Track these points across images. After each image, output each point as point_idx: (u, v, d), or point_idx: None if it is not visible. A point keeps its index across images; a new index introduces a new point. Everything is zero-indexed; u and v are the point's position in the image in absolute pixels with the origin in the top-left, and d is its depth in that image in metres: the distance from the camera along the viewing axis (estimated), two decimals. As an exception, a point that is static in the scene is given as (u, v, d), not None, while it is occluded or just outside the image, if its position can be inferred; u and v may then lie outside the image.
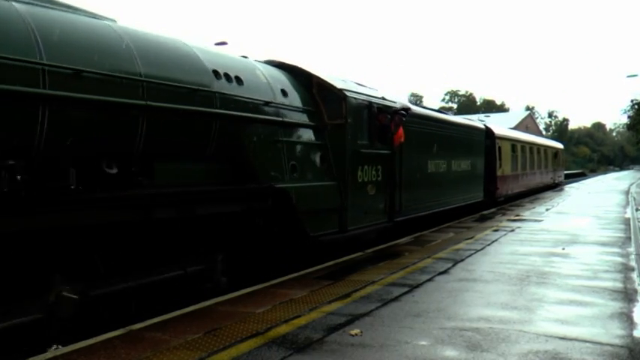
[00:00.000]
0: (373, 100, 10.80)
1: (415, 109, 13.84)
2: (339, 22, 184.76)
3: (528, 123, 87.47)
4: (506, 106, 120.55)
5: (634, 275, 8.15)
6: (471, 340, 5.16)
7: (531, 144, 28.87)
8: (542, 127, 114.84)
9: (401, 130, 11.43)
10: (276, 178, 8.26)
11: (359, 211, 10.10)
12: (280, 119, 8.62)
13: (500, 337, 5.22)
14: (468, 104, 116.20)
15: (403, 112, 11.75)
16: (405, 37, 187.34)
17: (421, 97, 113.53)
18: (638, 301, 6.66)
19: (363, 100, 10.42)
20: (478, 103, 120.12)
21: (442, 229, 14.23)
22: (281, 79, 9.28)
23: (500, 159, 21.44)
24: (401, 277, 8.04)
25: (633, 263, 9.12)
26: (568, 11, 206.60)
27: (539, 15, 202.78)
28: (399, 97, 13.27)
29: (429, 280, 7.88)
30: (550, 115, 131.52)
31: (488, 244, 11.30)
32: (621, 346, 4.99)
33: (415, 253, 10.38)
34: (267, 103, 8.38)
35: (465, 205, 17.17)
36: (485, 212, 18.71)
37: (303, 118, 9.34)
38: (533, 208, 20.56)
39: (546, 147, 33.70)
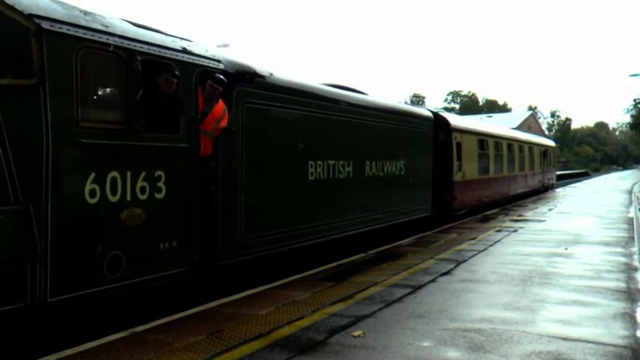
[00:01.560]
0: (138, 44, 5.90)
1: (283, 78, 8.69)
2: (339, 24, 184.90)
3: (531, 123, 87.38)
4: (509, 106, 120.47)
5: (637, 275, 8.15)
6: (474, 341, 5.16)
7: (510, 140, 23.53)
8: (544, 126, 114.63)
9: (220, 108, 6.99)
10: None
11: (86, 261, 5.36)
12: None
13: (503, 338, 5.22)
14: (470, 105, 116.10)
15: (220, 76, 6.95)
16: (406, 37, 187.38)
17: (423, 97, 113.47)
18: (641, 301, 6.65)
19: (102, 41, 5.50)
20: (481, 104, 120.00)
21: (445, 229, 14.21)
22: None
23: (459, 159, 16.31)
24: (403, 278, 8.04)
25: (636, 263, 9.11)
26: (570, 10, 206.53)
27: (542, 14, 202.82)
28: (238, 57, 8.08)
29: (432, 281, 7.88)
30: (553, 114, 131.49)
31: (491, 245, 11.29)
32: (624, 347, 4.99)
33: (418, 253, 10.38)
34: None
35: (393, 226, 12.42)
36: (487, 213, 18.66)
37: None
38: (536, 208, 20.53)
39: (532, 144, 28.33)
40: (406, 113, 13.60)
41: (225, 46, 25.49)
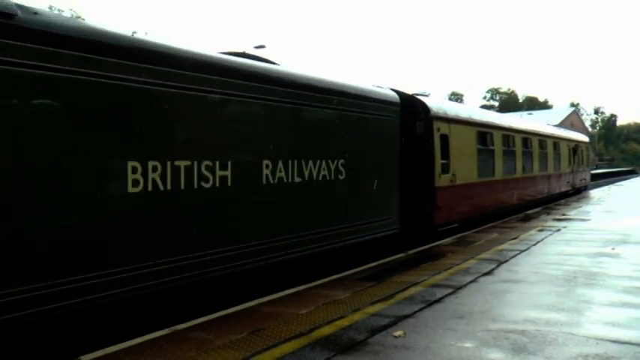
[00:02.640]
0: None
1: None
2: (377, 22, 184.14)
3: (573, 120, 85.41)
4: (550, 103, 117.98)
5: (688, 276, 7.86)
6: (517, 342, 5.06)
7: (526, 133, 18.84)
8: (587, 123, 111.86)
9: None
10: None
11: None
12: None
13: (548, 340, 5.11)
14: (509, 102, 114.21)
15: None
16: (445, 35, 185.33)
17: (461, 95, 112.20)
18: (693, 303, 6.41)
19: None
20: (520, 101, 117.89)
21: (485, 229, 13.99)
22: None
23: (446, 156, 12.43)
24: (444, 279, 7.95)
25: (688, 264, 8.79)
26: (614, 3, 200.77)
27: (585, 8, 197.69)
28: None
29: (473, 281, 7.77)
30: (596, 111, 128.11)
31: (533, 245, 11.06)
32: (676, 350, 4.81)
33: (458, 254, 10.25)
34: None
35: (322, 255, 8.57)
36: (529, 212, 18.28)
37: None
38: (580, 207, 20.03)
39: (557, 139, 23.36)
40: (347, 93, 9.34)
41: (262, 47, 25.72)
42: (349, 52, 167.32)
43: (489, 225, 14.68)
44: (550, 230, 13.32)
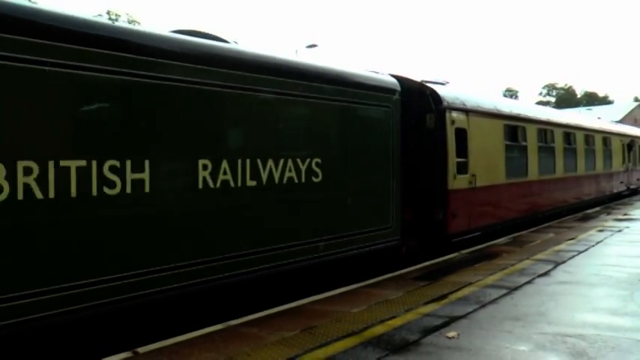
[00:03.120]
0: None
1: None
2: (432, 19, 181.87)
3: (637, 115, 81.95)
4: (610, 98, 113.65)
5: None
6: (576, 347, 4.91)
7: (567, 127, 16.63)
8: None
9: None
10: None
11: None
12: None
13: (609, 346, 4.93)
14: (567, 98, 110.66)
15: None
16: (500, 30, 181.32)
17: (516, 91, 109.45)
18: None
19: None
20: (579, 96, 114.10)
21: (541, 229, 13.61)
22: None
23: (464, 154, 10.66)
24: (499, 279, 7.80)
25: None
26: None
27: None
28: None
29: (529, 282, 7.59)
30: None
31: (592, 246, 10.70)
32: None
33: (513, 254, 10.02)
34: None
35: (263, 278, 6.77)
36: (588, 212, 17.63)
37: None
38: (643, 206, 19.25)
39: (608, 133, 21.03)
40: (319, 77, 7.70)
41: (314, 46, 25.81)
42: (403, 47, 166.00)
43: (545, 225, 14.26)
44: (611, 231, 12.85)
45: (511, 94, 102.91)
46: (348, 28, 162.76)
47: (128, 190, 5.25)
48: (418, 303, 6.52)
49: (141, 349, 5.02)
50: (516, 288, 7.24)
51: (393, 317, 5.93)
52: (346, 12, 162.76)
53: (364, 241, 8.20)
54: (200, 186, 5.92)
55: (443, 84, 11.38)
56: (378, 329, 5.52)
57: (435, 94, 10.14)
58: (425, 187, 9.92)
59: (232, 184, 6.24)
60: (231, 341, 5.23)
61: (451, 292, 7.02)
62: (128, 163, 5.24)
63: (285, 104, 7.12)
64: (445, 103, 10.19)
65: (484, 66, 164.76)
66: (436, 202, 10.00)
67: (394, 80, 9.21)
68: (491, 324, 5.66)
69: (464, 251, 10.38)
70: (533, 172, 13.90)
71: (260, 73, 6.67)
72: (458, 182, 10.38)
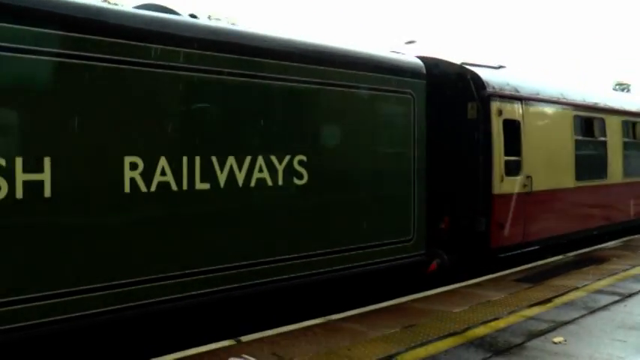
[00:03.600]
0: None
1: None
2: (541, 14, 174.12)
3: None
4: None
5: None
6: (700, 361, 4.60)
7: None
8: None
9: None
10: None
11: None
12: None
13: None
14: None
15: None
16: (607, 21, 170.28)
17: (628, 85, 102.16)
18: None
19: None
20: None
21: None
22: None
23: (516, 151, 8.84)
24: (609, 285, 7.42)
25: None
26: None
27: None
28: None
29: (644, 289, 7.17)
30: None
31: None
32: None
33: (624, 258, 9.47)
34: None
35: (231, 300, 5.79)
36: None
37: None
38: None
39: None
40: (311, 57, 6.26)
41: (413, 42, 25.58)
42: (487, 41, 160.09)
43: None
44: None
45: (622, 87, 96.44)
46: (450, 25, 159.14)
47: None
48: (521, 305, 6.35)
49: (243, 338, 5.24)
50: (630, 295, 6.85)
51: (496, 319, 5.82)
52: (449, 8, 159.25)
53: (374, 256, 6.81)
54: (127, 189, 4.78)
55: (495, 67, 9.61)
56: (481, 330, 5.45)
57: (477, 79, 8.46)
58: (465, 191, 8.39)
59: (173, 187, 5.11)
60: (332, 335, 5.36)
61: (556, 296, 6.78)
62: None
63: (260, 89, 5.74)
64: (490, 89, 8.48)
65: (593, 59, 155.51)
66: (477, 210, 8.33)
67: (417, 61, 7.64)
68: (602, 331, 5.41)
69: (569, 254, 9.93)
70: (616, 173, 11.66)
71: (231, 52, 5.51)
72: (506, 185, 8.57)
